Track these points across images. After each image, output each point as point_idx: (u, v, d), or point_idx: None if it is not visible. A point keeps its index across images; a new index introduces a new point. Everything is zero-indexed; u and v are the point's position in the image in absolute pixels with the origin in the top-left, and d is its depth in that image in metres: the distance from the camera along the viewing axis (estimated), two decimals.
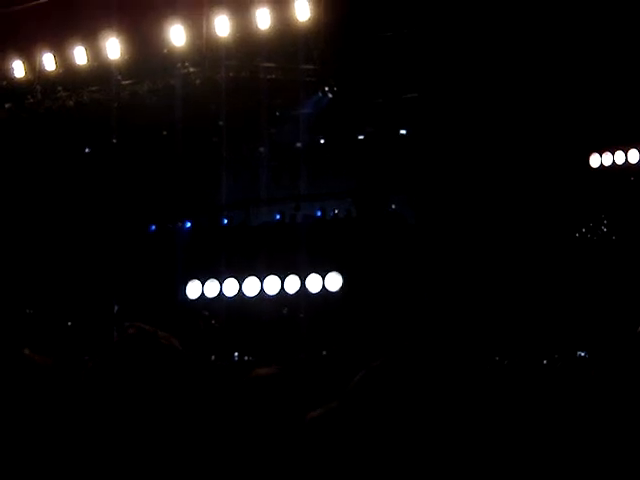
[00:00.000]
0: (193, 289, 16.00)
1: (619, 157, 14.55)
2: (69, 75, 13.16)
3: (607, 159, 14.60)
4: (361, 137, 15.14)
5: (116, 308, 15.76)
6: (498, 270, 13.90)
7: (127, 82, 13.39)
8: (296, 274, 15.41)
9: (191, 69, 12.94)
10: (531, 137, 13.67)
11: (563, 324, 12.64)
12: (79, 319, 15.55)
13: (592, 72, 12.70)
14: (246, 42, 12.19)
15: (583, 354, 11.19)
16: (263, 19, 11.68)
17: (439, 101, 13.75)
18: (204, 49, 12.50)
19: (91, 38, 12.67)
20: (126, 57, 12.70)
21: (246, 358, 14.28)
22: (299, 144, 15.70)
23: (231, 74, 13.01)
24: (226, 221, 16.95)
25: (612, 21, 11.77)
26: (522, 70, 12.76)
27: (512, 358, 11.01)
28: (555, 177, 14.07)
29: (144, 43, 12.62)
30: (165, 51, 12.55)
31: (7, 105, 13.90)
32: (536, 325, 12.81)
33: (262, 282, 15.59)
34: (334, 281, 15.39)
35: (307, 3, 11.41)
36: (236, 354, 14.47)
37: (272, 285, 15.56)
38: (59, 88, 13.50)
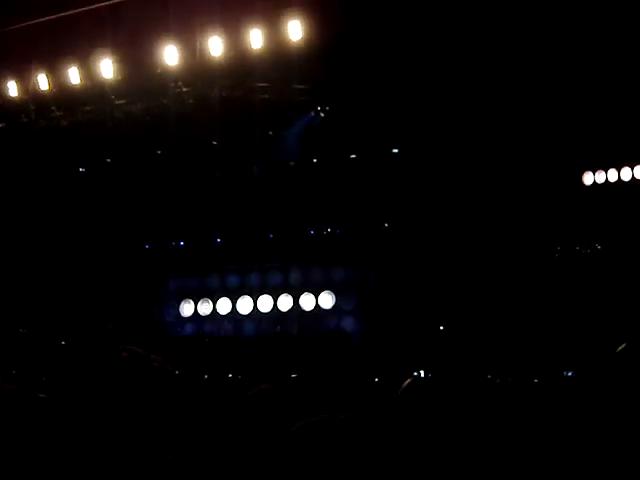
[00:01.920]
0: (187, 308, 16.04)
1: (612, 175, 14.60)
2: (63, 95, 13.19)
3: (600, 177, 14.65)
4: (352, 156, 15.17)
5: (109, 327, 15.75)
6: (490, 286, 13.93)
7: (121, 102, 13.44)
8: (290, 293, 15.50)
9: (184, 89, 12.99)
10: (524, 156, 13.73)
11: (552, 343, 12.65)
12: (72, 338, 15.52)
13: (584, 92, 12.77)
14: (239, 62, 12.23)
15: (570, 374, 11.20)
16: (256, 39, 11.73)
17: (432, 120, 13.81)
18: (197, 69, 12.55)
19: (85, 58, 12.71)
20: (119, 77, 12.74)
21: (240, 377, 14.25)
22: (292, 163, 15.74)
23: (224, 94, 13.06)
24: (219, 240, 16.97)
25: (604, 44, 11.83)
26: (515, 90, 12.82)
27: (504, 377, 11.03)
28: (548, 195, 14.13)
29: (137, 63, 12.66)
30: (158, 71, 12.58)
31: (1, 125, 13.94)
32: (527, 343, 12.82)
33: (255, 301, 15.65)
34: (327, 300, 15.44)
35: (299, 23, 11.47)
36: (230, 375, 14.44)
37: (265, 304, 15.63)
38: (53, 108, 13.54)
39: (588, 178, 14.71)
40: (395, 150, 14.87)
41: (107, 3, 11.82)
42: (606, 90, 12.73)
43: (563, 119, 13.31)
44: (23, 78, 13.13)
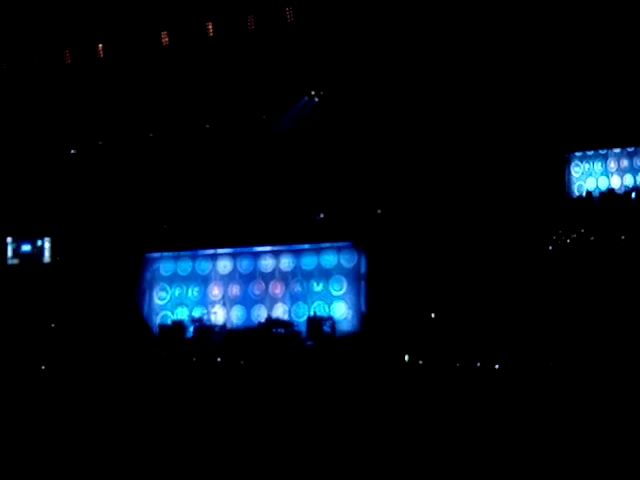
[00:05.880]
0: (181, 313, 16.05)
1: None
2: (56, 76, 13.20)
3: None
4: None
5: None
6: (484, 276, 13.95)
7: (115, 84, 13.46)
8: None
9: (179, 71, 13.01)
10: (520, 144, 13.79)
11: (541, 333, 12.65)
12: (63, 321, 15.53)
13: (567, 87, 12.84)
14: (234, 46, 12.24)
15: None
16: (251, 23, 11.74)
17: (429, 107, 13.83)
18: (192, 51, 12.56)
19: (79, 40, 12.72)
20: (115, 58, 12.74)
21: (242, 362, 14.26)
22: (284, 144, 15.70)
23: (218, 77, 13.08)
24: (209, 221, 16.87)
25: (590, 46, 11.89)
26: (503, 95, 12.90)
27: (505, 363, 11.08)
28: (545, 183, 14.19)
29: (133, 44, 12.65)
30: (153, 52, 12.59)
31: None
32: (517, 332, 12.83)
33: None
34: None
35: (294, 8, 11.47)
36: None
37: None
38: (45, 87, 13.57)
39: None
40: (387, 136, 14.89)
41: None
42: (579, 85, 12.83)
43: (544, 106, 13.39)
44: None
